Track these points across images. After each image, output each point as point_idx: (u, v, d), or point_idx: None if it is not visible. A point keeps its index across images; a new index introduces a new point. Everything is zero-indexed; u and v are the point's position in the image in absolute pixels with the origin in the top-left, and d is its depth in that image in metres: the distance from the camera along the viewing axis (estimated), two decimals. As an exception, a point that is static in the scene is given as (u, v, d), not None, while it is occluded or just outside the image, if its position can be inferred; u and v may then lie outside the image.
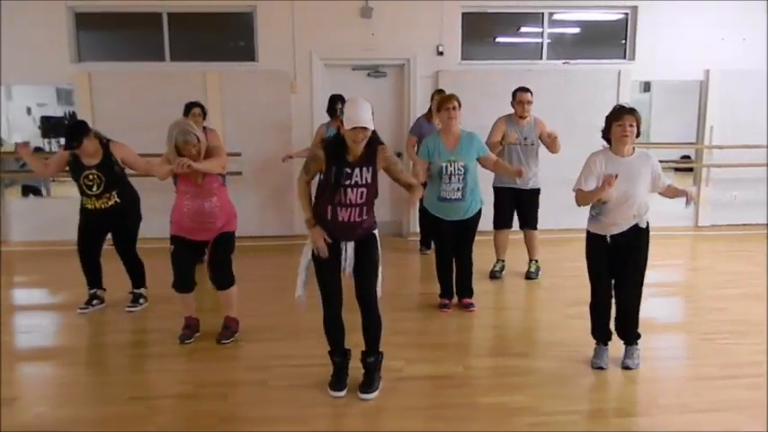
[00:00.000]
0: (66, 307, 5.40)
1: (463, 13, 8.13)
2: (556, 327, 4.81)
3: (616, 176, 3.66)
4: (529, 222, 6.11)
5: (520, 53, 8.44)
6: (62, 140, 6.04)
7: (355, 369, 3.79)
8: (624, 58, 8.41)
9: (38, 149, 8.87)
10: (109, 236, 5.30)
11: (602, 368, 4.02)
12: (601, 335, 4.13)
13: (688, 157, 9.28)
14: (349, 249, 3.66)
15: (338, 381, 3.73)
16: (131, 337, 4.70)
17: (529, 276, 6.10)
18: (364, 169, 3.52)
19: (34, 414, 3.52)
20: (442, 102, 5.07)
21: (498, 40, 8.60)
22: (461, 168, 4.90)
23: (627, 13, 8.35)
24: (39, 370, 4.30)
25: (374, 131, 3.52)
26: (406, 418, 3.46)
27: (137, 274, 5.36)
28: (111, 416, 3.50)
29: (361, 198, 3.54)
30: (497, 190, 6.06)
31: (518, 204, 6.07)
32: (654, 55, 8.25)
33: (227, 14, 8.10)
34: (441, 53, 8.05)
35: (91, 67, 7.89)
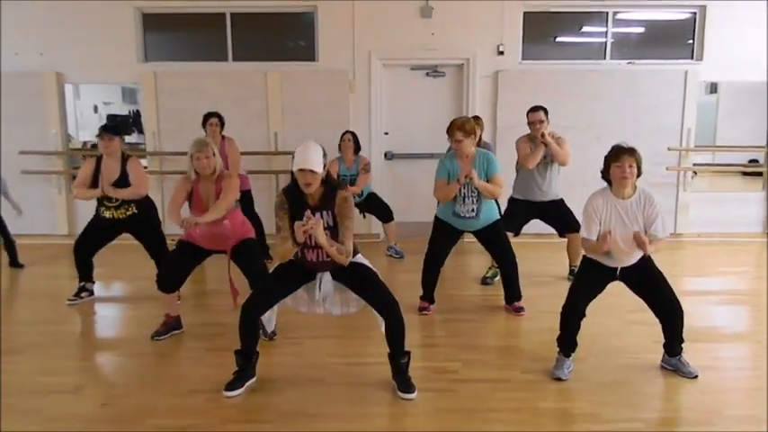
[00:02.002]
0: (129, 299, 5.59)
1: (525, 13, 8.05)
2: (616, 332, 4.69)
3: (609, 233, 3.66)
4: (569, 226, 5.71)
5: (582, 53, 8.32)
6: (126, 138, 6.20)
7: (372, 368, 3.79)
8: (692, 58, 8.18)
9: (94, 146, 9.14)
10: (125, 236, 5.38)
11: (560, 379, 3.89)
12: (569, 345, 3.98)
13: (756, 161, 9.00)
14: (325, 281, 3.76)
15: (238, 380, 3.76)
16: (191, 330, 4.78)
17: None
18: (325, 213, 3.59)
19: (100, 404, 3.62)
20: (449, 132, 4.84)
21: (559, 39, 8.47)
22: (475, 189, 4.83)
23: (695, 13, 8.12)
24: (103, 360, 4.45)
25: (334, 179, 3.63)
26: (467, 420, 3.43)
27: None
28: (172, 407, 3.58)
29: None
30: (514, 201, 5.84)
31: (544, 216, 5.82)
32: (722, 55, 8.01)
33: (288, 14, 8.24)
34: (501, 53, 7.99)
35: (157, 67, 8.12)
